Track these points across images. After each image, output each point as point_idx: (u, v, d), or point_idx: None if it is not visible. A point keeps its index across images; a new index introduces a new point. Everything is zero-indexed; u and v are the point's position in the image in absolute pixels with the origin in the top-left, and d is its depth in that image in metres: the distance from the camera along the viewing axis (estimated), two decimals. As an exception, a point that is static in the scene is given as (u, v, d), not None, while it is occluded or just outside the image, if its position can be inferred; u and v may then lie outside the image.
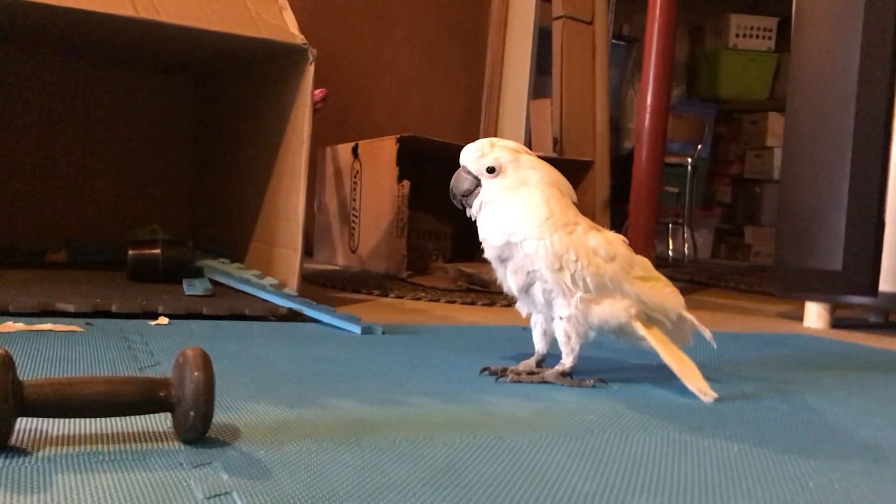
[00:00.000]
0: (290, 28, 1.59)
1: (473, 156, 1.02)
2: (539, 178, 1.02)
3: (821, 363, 1.40)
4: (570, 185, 1.05)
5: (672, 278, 1.10)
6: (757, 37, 4.70)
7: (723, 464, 0.73)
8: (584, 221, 1.04)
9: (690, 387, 0.99)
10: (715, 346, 1.08)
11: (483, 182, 1.02)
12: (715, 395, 0.99)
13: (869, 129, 1.80)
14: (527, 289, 1.03)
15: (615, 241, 1.03)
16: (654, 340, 1.02)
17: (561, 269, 0.99)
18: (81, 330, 1.17)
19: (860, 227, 1.80)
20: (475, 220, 1.05)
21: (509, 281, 1.04)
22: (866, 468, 0.76)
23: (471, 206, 1.04)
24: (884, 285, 1.78)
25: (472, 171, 1.02)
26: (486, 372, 1.05)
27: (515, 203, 1.00)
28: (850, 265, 1.80)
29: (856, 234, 1.80)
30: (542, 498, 0.61)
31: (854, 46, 1.81)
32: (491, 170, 1.01)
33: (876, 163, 1.79)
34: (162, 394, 0.67)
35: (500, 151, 1.01)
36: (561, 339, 1.02)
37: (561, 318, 1.02)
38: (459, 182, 1.03)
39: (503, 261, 1.04)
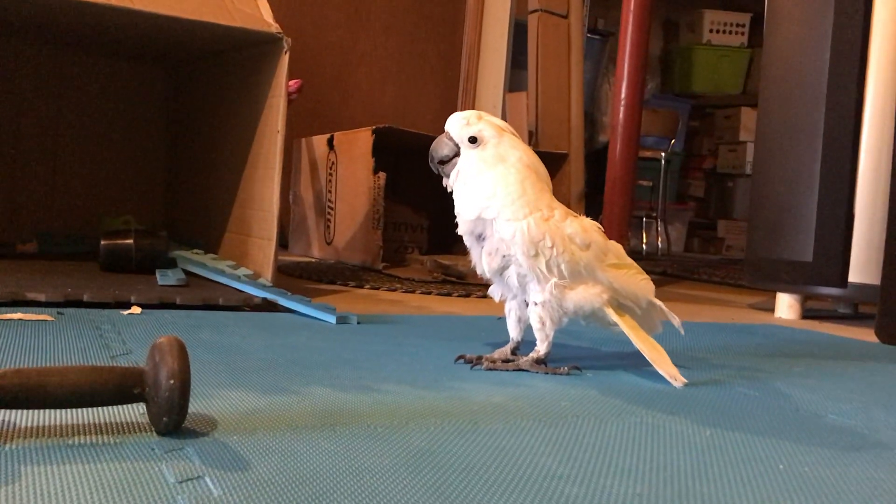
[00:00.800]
0: (264, 17, 1.58)
1: (459, 123, 1.02)
2: (518, 158, 1.02)
3: (791, 352, 1.42)
4: (547, 173, 1.06)
5: (646, 271, 1.11)
6: (730, 32, 4.75)
7: (695, 447, 0.74)
8: (561, 208, 1.04)
9: (662, 372, 1.00)
10: (683, 333, 1.09)
11: (462, 151, 1.03)
12: (685, 380, 1.00)
13: (839, 123, 1.82)
14: (501, 272, 1.04)
15: (591, 229, 1.04)
16: (626, 326, 1.03)
17: (536, 255, 0.99)
18: (52, 319, 1.15)
19: (830, 219, 1.82)
20: (451, 192, 1.05)
21: (484, 263, 1.04)
22: (835, 451, 0.77)
23: (447, 175, 1.04)
24: (853, 276, 1.81)
25: (455, 137, 1.03)
26: (462, 360, 1.05)
27: (490, 177, 1.01)
28: (820, 256, 1.83)
29: (826, 226, 1.82)
30: (516, 480, 0.61)
31: (824, 41, 1.84)
32: (473, 140, 1.02)
33: (846, 156, 1.82)
34: (136, 390, 0.66)
35: (486, 125, 1.02)
36: (535, 325, 1.03)
37: (535, 303, 1.02)
38: (440, 147, 1.04)
39: (478, 239, 1.04)
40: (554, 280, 1.00)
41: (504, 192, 1.01)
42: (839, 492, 0.65)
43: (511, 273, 1.03)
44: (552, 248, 0.99)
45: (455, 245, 2.65)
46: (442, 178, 1.06)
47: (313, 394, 0.84)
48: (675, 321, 1.08)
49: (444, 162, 1.04)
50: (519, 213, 0.99)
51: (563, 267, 1.00)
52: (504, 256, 1.02)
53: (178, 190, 2.18)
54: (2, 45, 2.02)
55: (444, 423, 0.76)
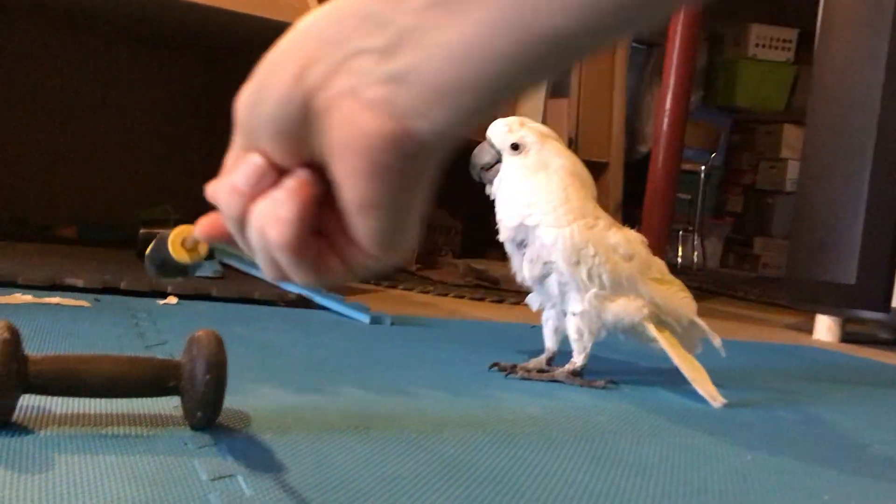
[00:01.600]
0: (311, 9, 1.58)
1: (500, 130, 1.01)
2: (561, 165, 1.01)
3: (831, 376, 1.39)
4: (592, 180, 1.04)
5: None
6: (776, 48, 4.67)
7: (736, 472, 0.72)
8: (605, 217, 1.02)
9: (701, 391, 0.98)
10: (724, 354, 1.06)
11: (504, 158, 1.01)
12: (724, 400, 0.97)
13: (890, 144, 1.78)
14: (541, 280, 1.02)
15: (635, 241, 1.02)
16: (666, 343, 1.01)
17: (578, 262, 0.97)
18: (89, 305, 1.16)
19: (876, 242, 1.78)
20: (493, 199, 1.04)
21: (524, 270, 1.02)
22: (882, 485, 0.74)
23: (489, 182, 1.03)
24: (897, 301, 1.76)
25: (496, 144, 1.01)
26: (496, 367, 1.03)
27: (532, 184, 0.99)
28: (863, 279, 1.78)
29: (871, 249, 1.78)
30: (552, 497, 0.60)
31: (879, 60, 1.79)
32: (515, 147, 1.00)
33: (895, 178, 1.77)
34: (171, 383, 0.65)
35: (528, 131, 1.00)
36: (573, 336, 1.01)
37: (574, 313, 1.00)
38: (481, 154, 1.03)
39: (519, 246, 1.02)
40: (594, 290, 0.99)
41: (546, 199, 0.99)
42: (888, 527, 0.63)
43: (552, 281, 1.01)
44: (594, 256, 0.97)
45: (488, 249, 2.63)
46: (483, 185, 1.05)
47: (347, 394, 0.83)
48: (717, 342, 1.05)
49: (485, 169, 1.03)
50: (562, 221, 0.98)
51: (604, 277, 0.98)
52: (545, 264, 1.00)
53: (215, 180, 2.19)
54: (43, 34, 2.04)
55: (478, 433, 0.74)
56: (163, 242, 0.51)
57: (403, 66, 0.28)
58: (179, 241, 0.53)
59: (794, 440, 0.87)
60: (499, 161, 1.02)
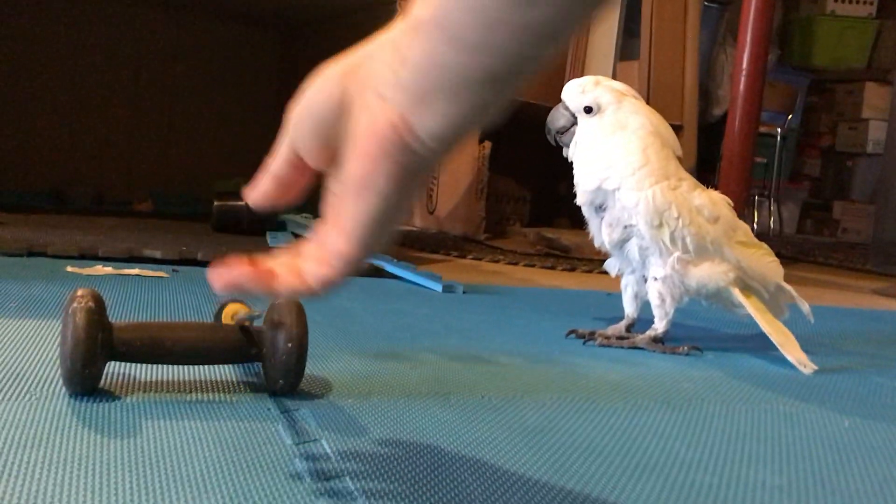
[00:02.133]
0: (378, -20, 1.56)
1: (574, 92, 0.98)
2: (640, 124, 0.97)
3: (925, 342, 1.32)
4: (675, 138, 1.00)
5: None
6: (856, 2, 4.47)
7: (834, 438, 0.69)
8: (689, 178, 0.99)
9: (790, 358, 0.94)
10: (812, 321, 1.02)
11: (579, 121, 0.99)
12: (815, 367, 0.94)
13: None
14: (621, 245, 0.99)
15: (720, 202, 0.99)
16: (753, 308, 0.97)
17: (661, 225, 0.94)
18: (167, 276, 1.18)
19: (971, 202, 1.69)
20: (570, 163, 1.01)
21: (603, 234, 1.00)
22: None
23: (566, 146, 1.01)
24: None
25: (571, 107, 0.99)
26: (573, 334, 1.01)
27: (610, 147, 0.96)
28: (957, 242, 1.70)
29: (966, 209, 1.69)
30: (641, 464, 0.58)
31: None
32: (588, 109, 0.97)
33: None
34: (253, 351, 0.65)
35: (603, 91, 0.97)
36: (654, 302, 0.98)
37: (656, 278, 0.97)
38: (556, 117, 1.00)
39: (598, 209, 1.00)
40: (677, 254, 0.95)
41: (625, 161, 0.96)
42: None
43: (632, 246, 0.98)
44: (678, 218, 0.94)
45: (557, 218, 2.60)
46: (560, 149, 1.02)
47: (425, 361, 0.82)
48: (805, 307, 1.01)
49: (561, 132, 1.00)
50: (643, 183, 0.94)
51: (688, 240, 0.95)
52: (625, 227, 0.97)
53: (287, 154, 2.20)
54: (119, 10, 2.07)
55: (560, 399, 0.73)
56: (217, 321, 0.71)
57: (403, 77, 0.36)
58: (230, 317, 0.70)
59: (890, 405, 0.83)
60: (574, 124, 0.99)
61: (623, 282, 1.04)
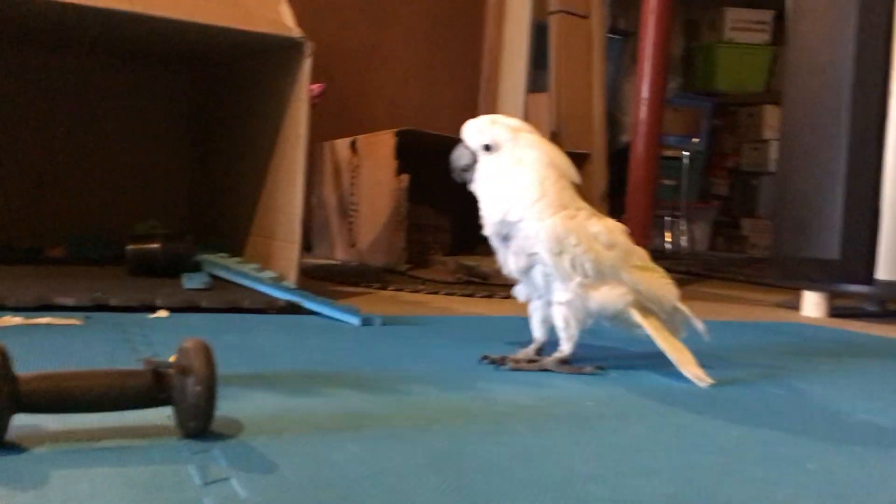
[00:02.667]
0: (286, 21, 1.59)
1: (472, 132, 1.04)
2: (536, 159, 1.02)
3: (818, 350, 1.41)
4: (573, 168, 1.06)
5: (670, 270, 1.11)
6: (752, 30, 4.70)
7: (722, 447, 0.74)
8: (586, 208, 1.04)
9: (686, 373, 1.00)
10: (707, 338, 1.08)
11: (480, 159, 1.04)
12: (711, 380, 0.99)
13: (865, 119, 1.80)
14: (527, 271, 1.04)
15: (615, 230, 1.04)
16: (651, 328, 1.03)
17: (561, 253, 0.99)
18: (80, 323, 1.17)
19: (857, 217, 1.80)
20: (476, 197, 1.06)
21: (510, 263, 1.05)
22: (865, 450, 0.76)
23: (470, 182, 1.06)
24: (880, 273, 1.79)
25: (471, 146, 1.04)
26: (486, 360, 1.05)
27: (509, 181, 1.02)
28: (847, 254, 1.81)
29: (852, 223, 1.80)
30: (541, 480, 0.61)
31: (849, 36, 1.81)
32: (487, 147, 1.02)
33: (872, 152, 1.79)
34: (162, 395, 0.66)
35: (499, 129, 1.02)
36: (559, 325, 1.03)
37: (560, 302, 1.02)
38: (459, 157, 1.05)
39: (504, 240, 1.04)
40: (578, 279, 1.00)
41: (524, 194, 1.01)
42: (870, 491, 0.64)
43: (536, 272, 1.03)
44: (576, 246, 0.99)
45: (478, 246, 2.65)
46: (467, 184, 1.07)
47: (338, 395, 0.84)
48: (699, 326, 1.07)
49: (465, 170, 1.05)
50: (543, 214, 1.00)
51: (587, 266, 1.00)
52: (529, 255, 1.02)
53: (203, 194, 2.20)
54: (29, 53, 2.05)
55: (469, 424, 0.76)
56: None
57: None
58: None
59: (780, 413, 0.89)
60: (476, 161, 1.04)
61: (531, 307, 1.08)
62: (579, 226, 1.00)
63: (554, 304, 1.03)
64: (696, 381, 0.99)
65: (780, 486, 0.64)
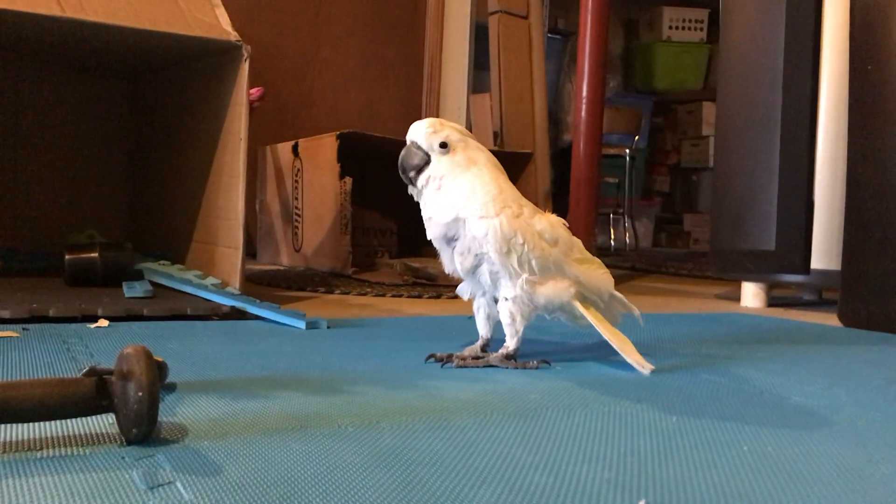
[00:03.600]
0: (223, 25, 1.58)
1: (426, 132, 1.03)
2: (486, 159, 1.05)
3: (756, 338, 1.45)
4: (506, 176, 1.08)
5: (614, 266, 1.14)
6: (689, 28, 4.81)
7: (661, 433, 0.76)
8: (529, 205, 1.06)
9: (629, 360, 1.02)
10: (642, 324, 1.12)
11: (433, 158, 1.03)
12: (652, 367, 1.02)
13: (796, 113, 1.86)
14: (473, 270, 1.05)
15: (557, 225, 1.06)
16: (593, 318, 1.05)
17: (509, 251, 1.00)
18: (18, 335, 1.14)
19: (791, 208, 1.86)
20: (419, 200, 1.06)
21: (456, 263, 1.05)
22: (799, 431, 0.79)
23: (415, 185, 1.05)
24: (815, 263, 1.84)
25: (424, 146, 1.03)
26: (432, 359, 1.06)
27: (465, 180, 1.02)
28: (783, 245, 1.86)
29: (787, 215, 1.86)
30: (486, 472, 0.62)
31: (778, 34, 1.87)
32: (443, 146, 1.03)
33: (804, 145, 1.85)
34: (104, 402, 0.66)
35: (451, 130, 1.03)
36: (506, 321, 1.04)
37: (506, 298, 1.03)
38: (410, 157, 1.04)
39: (449, 241, 1.05)
40: (525, 276, 1.02)
41: (482, 191, 1.02)
42: (803, 470, 0.67)
43: (483, 271, 1.04)
44: (523, 244, 1.01)
45: (424, 247, 2.66)
46: (409, 187, 1.07)
47: (283, 398, 0.84)
48: (635, 311, 1.11)
49: (417, 171, 1.04)
50: (490, 211, 1.01)
51: (533, 263, 1.02)
52: (476, 255, 1.03)
53: (143, 201, 2.16)
54: (-43, 61, 1.99)
55: (415, 421, 0.77)
56: None
57: None
58: None
59: (717, 399, 0.91)
60: (427, 162, 1.04)
61: (475, 304, 1.10)
62: (525, 224, 1.02)
63: (500, 301, 1.05)
64: (638, 367, 1.01)
65: (716, 467, 0.66)
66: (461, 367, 1.03)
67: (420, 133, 1.04)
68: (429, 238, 1.07)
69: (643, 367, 1.01)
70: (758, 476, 0.64)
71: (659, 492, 0.59)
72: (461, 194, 1.02)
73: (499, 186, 1.03)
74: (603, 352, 1.09)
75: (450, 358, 1.05)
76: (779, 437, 0.76)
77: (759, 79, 1.90)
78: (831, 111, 1.84)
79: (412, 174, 1.05)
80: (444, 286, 2.07)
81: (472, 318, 1.12)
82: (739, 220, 1.95)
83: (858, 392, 0.99)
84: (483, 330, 1.09)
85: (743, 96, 1.96)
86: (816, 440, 0.76)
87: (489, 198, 1.02)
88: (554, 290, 1.04)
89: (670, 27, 4.78)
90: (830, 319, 1.75)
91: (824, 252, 1.85)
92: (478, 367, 1.04)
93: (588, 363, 1.10)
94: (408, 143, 1.05)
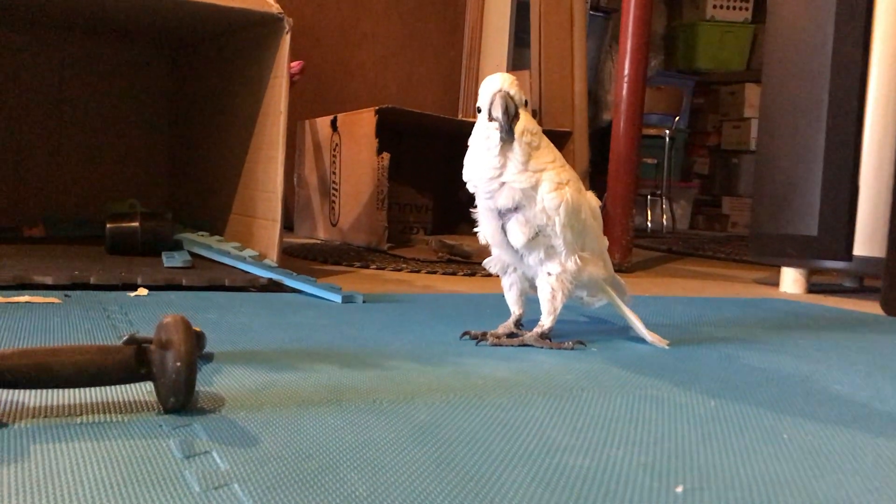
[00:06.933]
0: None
1: (513, 84, 0.95)
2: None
3: (796, 324, 1.42)
4: None
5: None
6: (734, 8, 4.71)
7: (699, 418, 0.75)
8: (575, 177, 1.03)
9: (647, 338, 1.04)
10: (628, 297, 1.15)
11: (521, 114, 0.96)
12: (667, 342, 1.06)
13: (843, 97, 1.81)
14: (528, 244, 1.00)
15: (594, 202, 1.06)
16: (612, 297, 1.07)
17: (573, 225, 0.99)
18: (59, 302, 1.16)
19: (835, 193, 1.82)
20: (495, 159, 0.96)
21: (513, 234, 0.99)
22: (839, 421, 0.77)
23: (513, 134, 0.95)
24: (858, 250, 1.81)
25: (516, 99, 0.95)
26: (467, 336, 1.05)
27: (546, 143, 0.99)
28: (825, 230, 1.82)
29: (831, 200, 1.82)
30: (521, 452, 0.62)
31: (828, 15, 1.82)
32: (526, 103, 0.98)
33: (850, 129, 1.81)
34: (143, 370, 0.66)
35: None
36: (545, 297, 1.02)
37: (549, 273, 1.01)
38: (508, 105, 0.94)
39: (507, 211, 0.99)
40: (580, 252, 1.01)
41: (559, 160, 0.99)
42: (842, 461, 0.65)
43: (538, 244, 1.00)
44: (585, 220, 1.00)
45: (459, 225, 2.65)
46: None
47: (319, 370, 0.85)
48: (624, 284, 1.15)
49: (512, 121, 0.95)
50: (562, 184, 0.97)
51: (587, 239, 1.01)
52: (539, 226, 0.99)
53: (183, 172, 2.18)
54: (3, 32, 2.02)
55: (449, 398, 0.76)
56: None
57: None
58: None
59: (757, 386, 0.90)
60: (517, 115, 0.96)
61: (506, 281, 1.09)
62: (585, 199, 1.01)
63: (542, 276, 1.03)
64: (657, 343, 1.03)
65: (755, 454, 0.65)
66: (496, 345, 1.03)
67: (509, 84, 0.95)
68: (495, 207, 0.99)
69: (661, 342, 1.03)
70: (797, 465, 0.63)
71: (696, 478, 0.59)
72: (545, 158, 0.97)
73: (561, 157, 1.00)
74: (633, 333, 1.08)
75: (484, 336, 1.05)
76: (819, 427, 0.75)
77: (807, 61, 1.86)
78: (880, 96, 1.79)
79: (509, 124, 0.94)
80: (478, 264, 2.06)
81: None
82: (781, 204, 1.92)
83: (902, 383, 0.97)
84: (515, 307, 1.09)
85: (789, 78, 1.91)
86: (857, 431, 0.74)
87: (561, 167, 0.98)
88: (596, 269, 1.04)
89: (714, 6, 4.68)
90: (872, 308, 1.72)
91: (868, 239, 1.81)
92: (513, 345, 1.03)
93: (623, 343, 1.09)
94: (490, 95, 0.95)
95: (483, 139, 0.97)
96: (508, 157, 0.96)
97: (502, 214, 1.00)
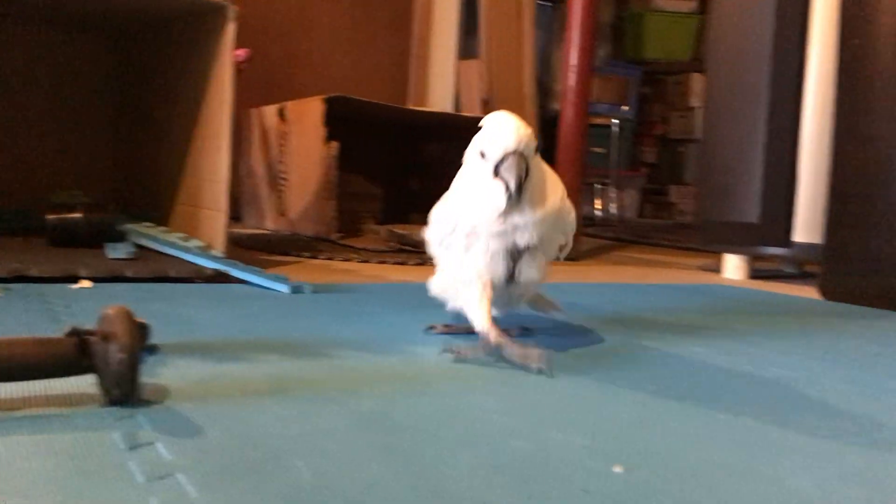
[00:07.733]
0: (209, -16, 1.55)
1: (526, 138, 0.88)
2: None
3: (735, 309, 1.46)
4: None
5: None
6: (680, -1, 4.78)
7: (638, 402, 0.77)
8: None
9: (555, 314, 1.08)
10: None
11: (531, 163, 0.90)
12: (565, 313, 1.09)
13: (783, 87, 1.86)
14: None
15: None
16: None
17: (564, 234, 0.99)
18: (0, 294, 1.14)
19: (776, 182, 1.87)
20: (511, 207, 0.89)
21: (530, 270, 0.96)
22: (774, 402, 0.80)
23: (521, 196, 0.89)
24: (798, 236, 1.86)
25: (525, 152, 0.88)
26: (433, 330, 1.05)
27: (548, 170, 0.97)
28: (766, 218, 1.87)
29: (771, 188, 1.87)
30: (465, 437, 0.63)
31: (768, 5, 1.86)
32: (537, 149, 0.91)
33: (790, 119, 1.86)
34: (84, 362, 0.66)
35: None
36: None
37: (532, 281, 0.98)
38: (522, 168, 0.88)
39: (518, 253, 0.94)
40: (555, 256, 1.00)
41: (549, 176, 0.97)
42: (775, 439, 0.68)
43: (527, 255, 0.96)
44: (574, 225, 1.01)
45: (409, 214, 2.65)
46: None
47: (265, 361, 0.84)
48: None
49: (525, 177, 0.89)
50: (562, 195, 0.98)
51: (568, 245, 1.02)
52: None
53: (127, 162, 2.14)
54: (-64, 15, 1.95)
55: (397, 386, 0.77)
56: None
57: None
58: None
59: (697, 369, 0.92)
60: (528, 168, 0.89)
61: (473, 294, 1.05)
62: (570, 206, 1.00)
63: (523, 286, 0.98)
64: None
65: (691, 435, 0.67)
66: (443, 333, 1.04)
67: (525, 141, 0.88)
68: (525, 244, 0.92)
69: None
70: (732, 443, 0.65)
71: (634, 458, 0.60)
72: (555, 182, 0.97)
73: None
74: (585, 322, 1.10)
75: (449, 328, 1.05)
76: (754, 408, 0.77)
77: (748, 51, 1.90)
78: (818, 85, 1.84)
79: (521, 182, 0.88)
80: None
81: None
82: (724, 192, 1.96)
83: (834, 364, 1.00)
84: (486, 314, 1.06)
85: (731, 68, 1.96)
86: (791, 411, 0.77)
87: (553, 182, 0.97)
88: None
89: (662, -4, 4.74)
90: (811, 292, 1.77)
91: (807, 225, 1.86)
92: (460, 332, 1.04)
93: (562, 331, 1.11)
94: (503, 152, 0.87)
95: (485, 189, 0.90)
96: (515, 210, 0.90)
97: (515, 254, 0.94)
